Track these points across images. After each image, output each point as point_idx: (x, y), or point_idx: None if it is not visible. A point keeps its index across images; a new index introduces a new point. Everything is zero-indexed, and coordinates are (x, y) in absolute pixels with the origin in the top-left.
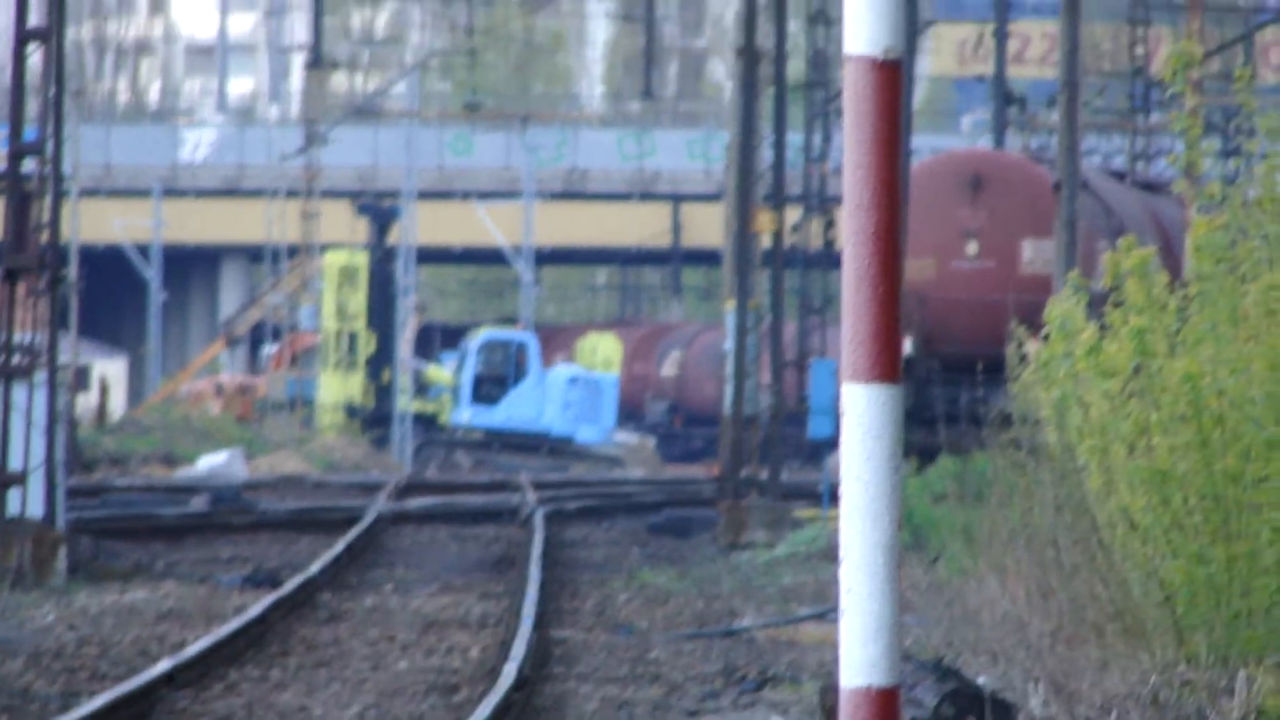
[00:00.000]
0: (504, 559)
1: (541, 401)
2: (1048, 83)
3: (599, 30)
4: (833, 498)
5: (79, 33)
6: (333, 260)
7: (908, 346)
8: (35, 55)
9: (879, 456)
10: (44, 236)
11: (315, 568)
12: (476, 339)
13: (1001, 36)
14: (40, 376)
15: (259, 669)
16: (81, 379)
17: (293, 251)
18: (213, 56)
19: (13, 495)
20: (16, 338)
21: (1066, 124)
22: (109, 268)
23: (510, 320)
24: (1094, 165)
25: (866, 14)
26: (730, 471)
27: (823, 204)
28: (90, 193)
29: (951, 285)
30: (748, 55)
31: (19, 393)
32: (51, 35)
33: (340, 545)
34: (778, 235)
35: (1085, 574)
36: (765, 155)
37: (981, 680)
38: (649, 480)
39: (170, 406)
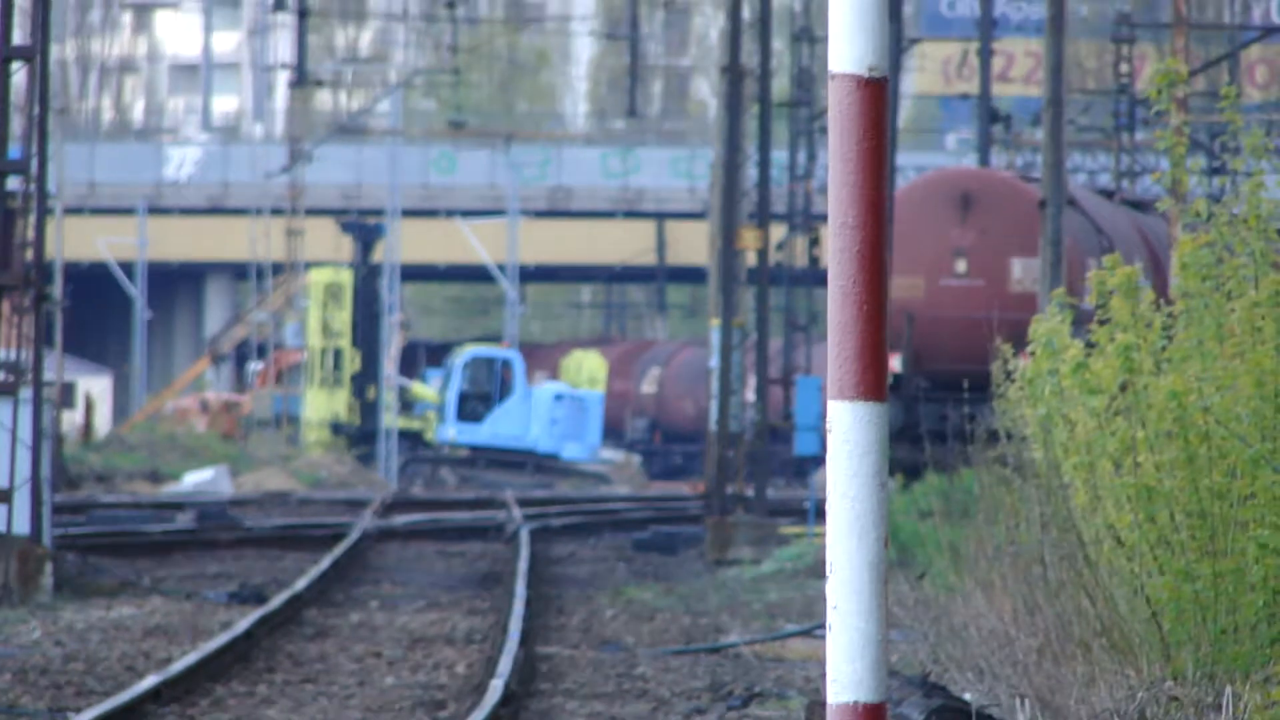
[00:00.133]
0: (490, 575)
1: (527, 418)
2: (1033, 100)
3: (583, 48)
4: (819, 514)
5: (63, 51)
6: (318, 278)
7: (897, 364)
8: (19, 74)
9: (865, 473)
10: (29, 254)
11: (301, 584)
12: (461, 356)
13: (986, 55)
14: (25, 393)
15: (245, 685)
16: (67, 396)
17: (277, 269)
18: (197, 75)
19: None
20: (1, 355)
21: (1051, 142)
22: (94, 285)
23: (495, 338)
24: (1082, 183)
25: (851, 32)
26: (716, 488)
27: (808, 222)
28: (75, 211)
29: (941, 303)
30: (732, 73)
31: (4, 409)
32: (36, 54)
33: (326, 562)
34: (763, 253)
35: (1071, 590)
36: (750, 173)
37: (968, 696)
38: (634, 497)
39: (156, 423)
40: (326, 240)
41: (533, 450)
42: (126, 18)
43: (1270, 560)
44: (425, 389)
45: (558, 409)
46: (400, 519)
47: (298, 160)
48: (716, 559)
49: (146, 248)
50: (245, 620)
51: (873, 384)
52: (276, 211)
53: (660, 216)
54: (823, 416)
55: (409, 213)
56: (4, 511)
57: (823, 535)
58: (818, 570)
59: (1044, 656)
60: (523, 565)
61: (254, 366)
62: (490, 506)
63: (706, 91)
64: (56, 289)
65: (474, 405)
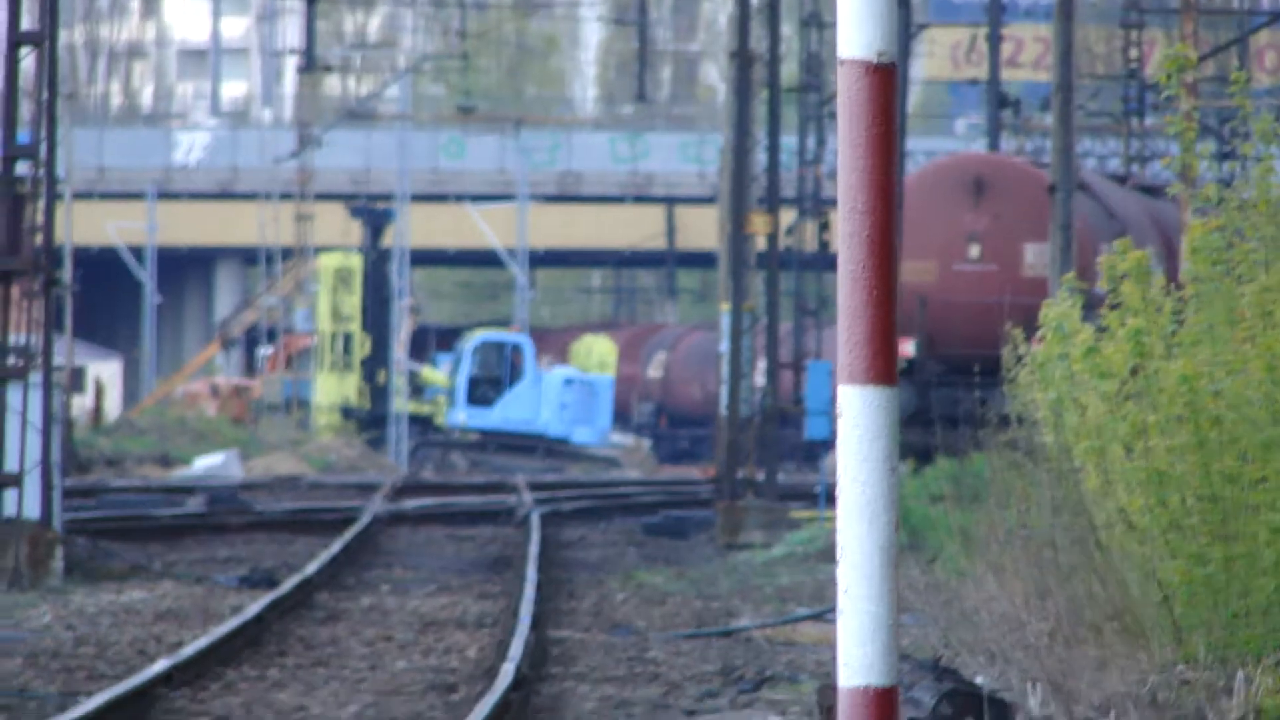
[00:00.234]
0: (501, 559)
1: (538, 403)
2: (1042, 85)
3: (592, 33)
4: (829, 498)
5: (72, 36)
6: (327, 262)
7: (911, 349)
8: (28, 59)
9: (875, 458)
10: (38, 239)
11: (312, 568)
12: (472, 341)
13: (995, 40)
14: (35, 378)
15: (256, 669)
16: (76, 381)
17: (287, 254)
18: (206, 60)
19: (9, 496)
20: (11, 339)
21: (1060, 127)
22: (104, 270)
23: (504, 323)
24: (1092, 168)
25: (859, 17)
26: (727, 472)
27: (817, 206)
28: (84, 196)
29: (954, 288)
30: (741, 58)
31: (14, 394)
32: (44, 39)
33: (337, 546)
34: (772, 237)
35: (1083, 574)
36: (759, 158)
37: (980, 680)
38: (645, 481)
39: (166, 408)
40: (336, 225)
41: (543, 434)
42: (135, 3)
43: None
44: (435, 373)
45: (568, 393)
46: (411, 503)
47: (307, 145)
48: (727, 543)
49: (156, 233)
50: (256, 604)
51: (883, 368)
52: (286, 196)
53: (670, 201)
54: (833, 401)
55: (418, 197)
56: (14, 496)
57: (833, 519)
58: (828, 554)
59: (1055, 640)
60: (533, 549)
61: (264, 351)
62: (501, 491)
63: (715, 76)
64: (66, 274)
65: (484, 389)
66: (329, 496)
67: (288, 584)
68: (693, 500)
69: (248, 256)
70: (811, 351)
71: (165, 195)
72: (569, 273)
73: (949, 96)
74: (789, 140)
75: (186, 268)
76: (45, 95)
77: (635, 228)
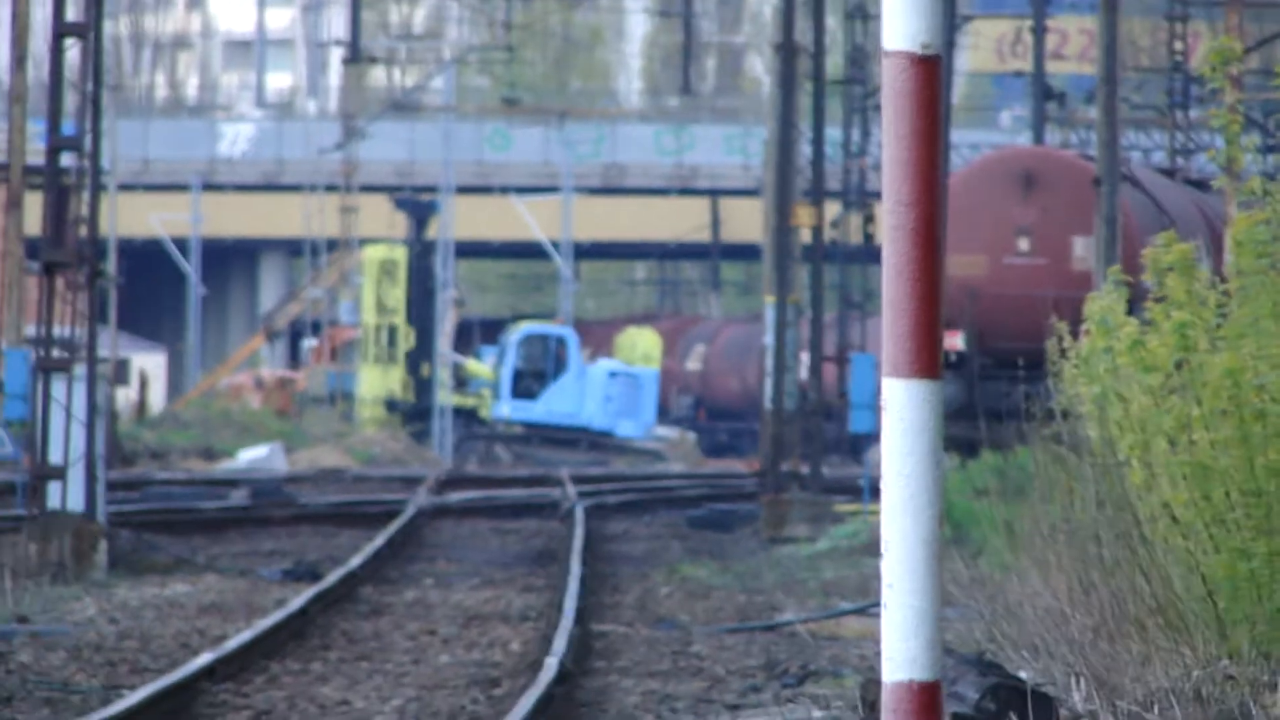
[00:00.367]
0: (545, 553)
1: (582, 396)
2: (1087, 78)
3: (637, 25)
4: (874, 492)
5: (116, 27)
6: (372, 254)
7: (960, 342)
8: (73, 50)
9: (920, 451)
10: (82, 231)
11: (356, 561)
12: (516, 333)
13: (1040, 32)
14: (80, 370)
15: (300, 662)
16: (121, 373)
17: (331, 246)
18: (250, 51)
19: (53, 489)
20: (56, 332)
21: (1105, 119)
22: (148, 262)
23: (549, 315)
24: (1138, 162)
25: (904, 9)
26: (771, 465)
27: (862, 199)
28: (128, 187)
29: (1003, 281)
30: (786, 50)
31: (59, 387)
32: (89, 30)
33: (381, 539)
34: (817, 230)
35: (1127, 569)
36: (804, 150)
37: (1023, 674)
38: (689, 474)
39: (210, 400)
40: (381, 217)
41: (587, 427)
42: None
43: None
44: (480, 366)
45: (612, 386)
46: (455, 496)
47: (352, 137)
48: (771, 536)
49: (201, 224)
50: (300, 598)
51: (927, 362)
52: (331, 188)
53: (714, 194)
54: (877, 394)
55: (463, 189)
56: (58, 488)
57: (878, 513)
58: (873, 548)
59: (1099, 635)
60: (577, 543)
61: (308, 343)
62: (545, 484)
63: (760, 69)
64: (111, 266)
65: (528, 382)
66: (373, 489)
67: (331, 577)
68: (737, 494)
69: (292, 248)
70: (856, 345)
71: (210, 187)
72: (613, 265)
73: (994, 89)
74: (834, 133)
75: (231, 260)
76: (90, 87)
77: (680, 220)
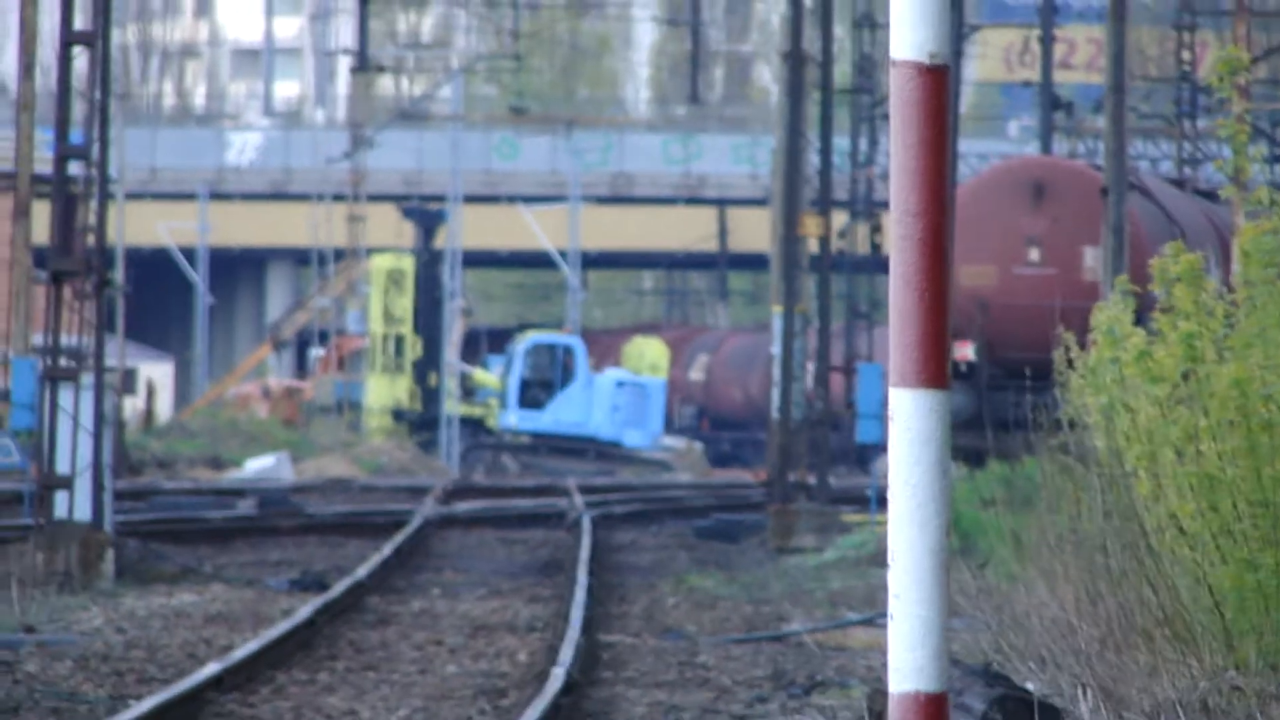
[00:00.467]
0: (552, 563)
1: (589, 405)
2: (1094, 88)
3: (644, 34)
4: (881, 502)
5: (124, 36)
6: (379, 264)
7: (970, 353)
8: (81, 59)
9: (926, 461)
10: (90, 239)
11: (363, 571)
12: (523, 343)
13: (1048, 41)
14: (87, 379)
15: (307, 672)
16: (128, 382)
17: (339, 255)
18: (258, 60)
19: (60, 498)
20: (63, 341)
21: (1113, 129)
22: (155, 271)
23: (556, 325)
24: (1149, 172)
25: (912, 19)
26: (778, 475)
27: (870, 208)
28: (136, 196)
29: (1013, 291)
30: (794, 60)
31: (66, 396)
32: (97, 39)
33: (388, 549)
34: (825, 240)
35: (1134, 580)
36: (812, 160)
37: (1030, 686)
38: (696, 484)
39: (217, 410)
40: (388, 226)
41: (594, 437)
42: (188, 2)
43: None
44: (487, 375)
45: (619, 396)
46: (462, 506)
47: (359, 146)
48: (779, 547)
49: (208, 233)
50: (307, 607)
51: (934, 372)
52: (338, 197)
53: (722, 203)
54: (884, 404)
55: (471, 198)
56: (65, 498)
57: (885, 523)
58: (880, 558)
59: (1106, 646)
60: (584, 553)
61: (316, 353)
62: (552, 494)
63: (768, 77)
64: (118, 275)
65: (536, 392)
66: (380, 499)
67: (338, 587)
68: (744, 504)
69: (300, 258)
70: (863, 354)
71: (217, 196)
72: (621, 274)
73: (1001, 98)
74: (841, 142)
75: (238, 269)
76: (98, 95)
77: (687, 229)
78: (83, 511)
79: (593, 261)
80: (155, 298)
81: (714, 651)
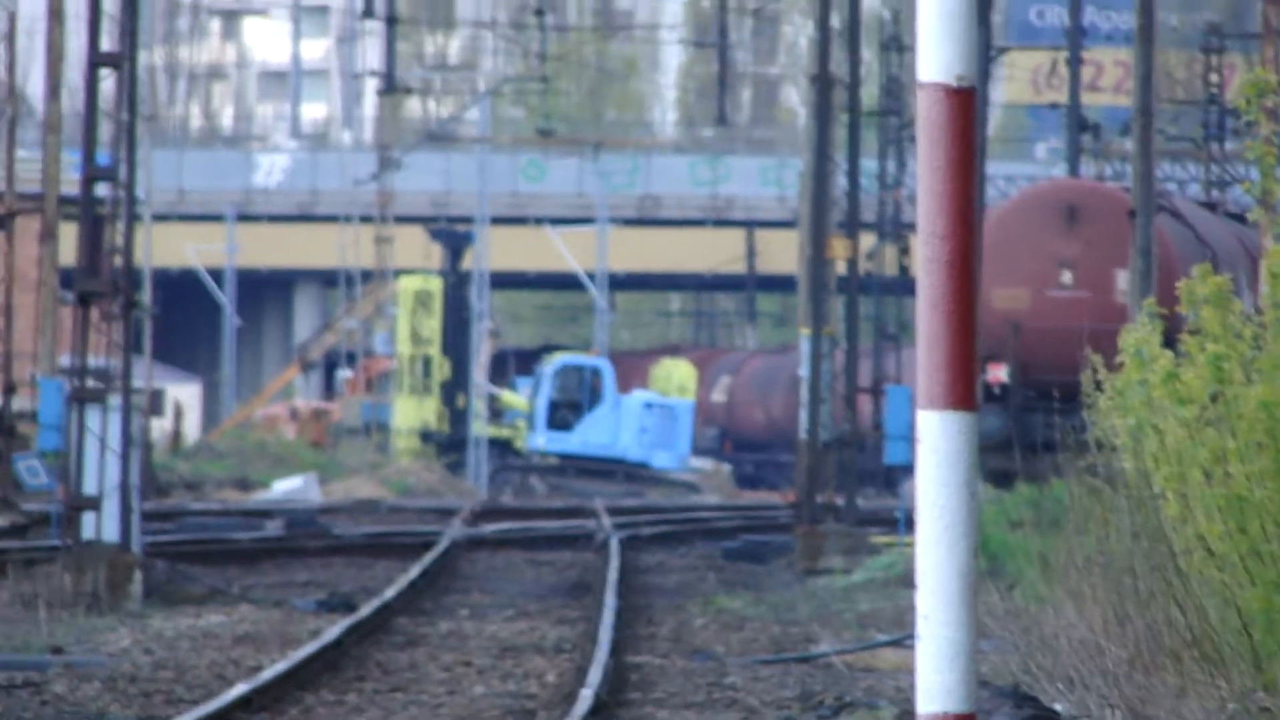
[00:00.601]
0: (580, 584)
1: (617, 427)
2: (1122, 110)
3: (672, 56)
4: (909, 524)
5: (152, 58)
6: (407, 285)
7: (1004, 375)
8: (108, 80)
9: (954, 483)
10: (117, 261)
11: (391, 592)
12: (551, 364)
13: (1075, 64)
14: (114, 401)
15: (335, 693)
16: (156, 404)
17: (366, 276)
18: (286, 82)
19: (88, 519)
20: (91, 362)
21: (1141, 152)
22: (183, 292)
23: (583, 347)
24: (1180, 195)
25: (939, 41)
26: (806, 497)
27: (897, 230)
28: (163, 218)
29: (1046, 314)
30: (822, 82)
31: (93, 417)
32: (124, 60)
33: (416, 570)
34: (852, 262)
35: (1162, 601)
36: (839, 182)
37: (1058, 707)
38: (724, 506)
39: (245, 431)
40: (416, 248)
41: (622, 459)
42: (215, 25)
43: None
44: (515, 397)
45: (647, 417)
46: (490, 527)
47: (387, 167)
48: (807, 568)
49: (235, 255)
50: (335, 628)
51: (962, 394)
52: (365, 219)
53: (749, 225)
54: (912, 426)
55: (498, 220)
56: (93, 519)
57: (913, 545)
58: (908, 580)
59: (1134, 667)
60: (612, 574)
61: (343, 374)
62: (580, 515)
63: (796, 100)
64: (145, 296)
65: (564, 413)
66: (408, 521)
67: (366, 608)
68: (772, 525)
69: (327, 279)
70: (891, 376)
71: (245, 217)
72: (648, 296)
73: (1029, 120)
74: (869, 164)
75: (266, 290)
76: (125, 117)
77: (715, 251)
78: (110, 533)
79: (620, 283)
80: (183, 319)
81: (742, 672)
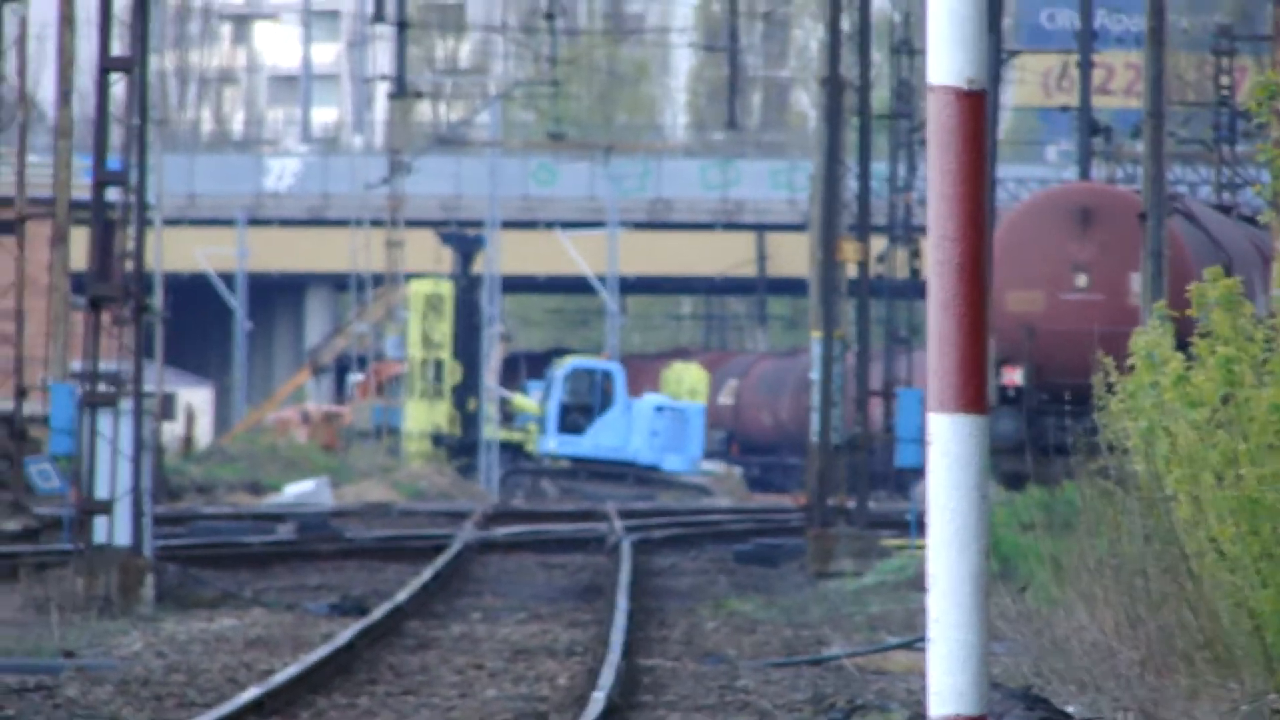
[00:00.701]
0: (591, 587)
1: (628, 430)
2: (1133, 112)
3: (682, 60)
4: (920, 527)
5: (162, 62)
6: (418, 289)
7: (1019, 378)
8: (119, 85)
9: (965, 486)
10: (128, 265)
11: (403, 595)
12: (562, 368)
13: (1086, 67)
14: (126, 405)
15: (347, 697)
16: (167, 408)
17: (377, 280)
18: (296, 86)
19: (99, 523)
20: (102, 367)
21: (1152, 154)
22: (194, 296)
23: (595, 350)
24: (1194, 198)
25: (949, 45)
26: (817, 500)
27: (908, 234)
28: (174, 222)
29: (1061, 317)
30: (832, 85)
31: (105, 422)
32: (135, 65)
33: (428, 573)
34: (863, 265)
35: (1174, 603)
36: (850, 185)
37: (1070, 709)
38: (736, 509)
39: (256, 435)
40: (427, 251)
41: (634, 462)
42: (225, 29)
43: None
44: (526, 400)
45: (659, 421)
46: (501, 531)
47: (397, 171)
48: (818, 571)
49: (246, 259)
50: (347, 632)
51: (973, 397)
52: (376, 223)
53: (760, 228)
54: (923, 428)
55: (509, 224)
56: (105, 523)
57: (924, 547)
58: (919, 582)
59: (1146, 669)
60: (624, 577)
61: (354, 378)
62: (591, 518)
63: (806, 103)
64: (157, 300)
65: (575, 417)
66: (419, 524)
67: (378, 612)
68: (784, 528)
69: (338, 283)
70: (902, 379)
71: (256, 222)
72: (659, 300)
73: (1040, 123)
74: (880, 167)
75: (277, 294)
76: (136, 121)
77: (725, 255)
78: (122, 537)
79: (631, 287)
80: (194, 323)
81: (754, 675)
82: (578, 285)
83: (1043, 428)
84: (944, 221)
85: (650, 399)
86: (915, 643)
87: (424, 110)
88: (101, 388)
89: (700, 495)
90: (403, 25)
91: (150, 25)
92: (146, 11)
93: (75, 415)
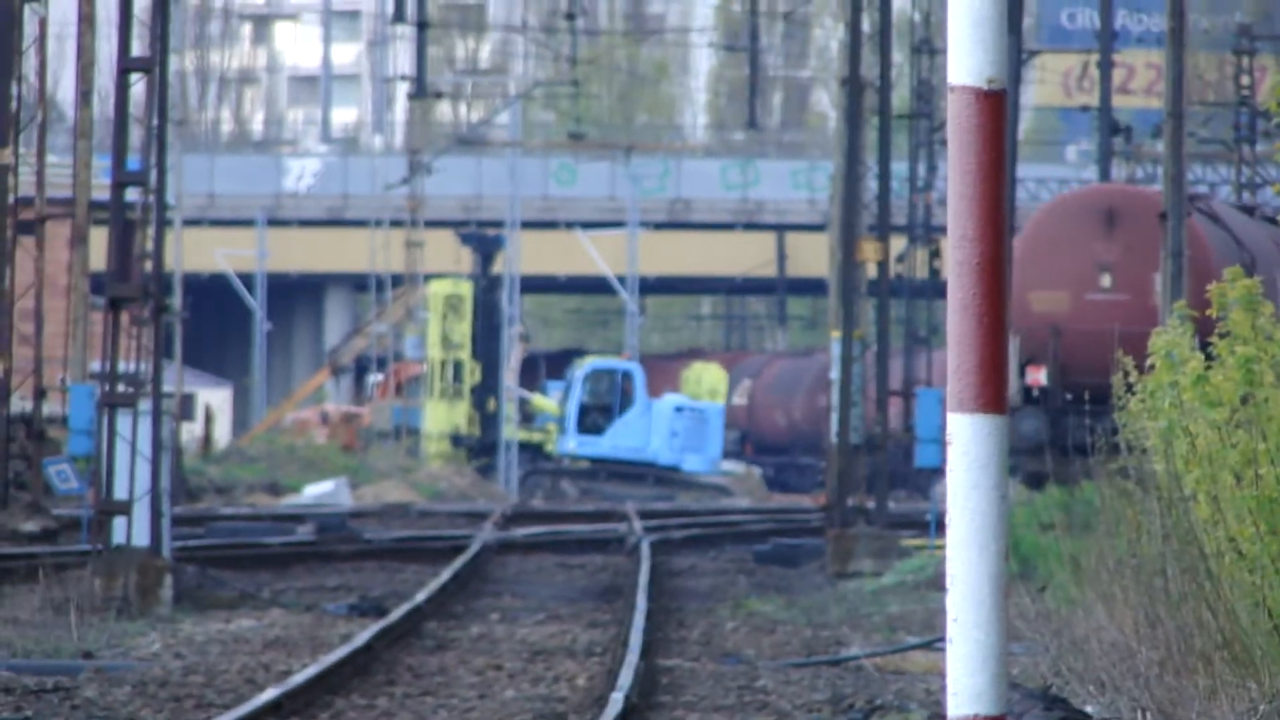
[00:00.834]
0: (610, 588)
1: (648, 430)
2: (1153, 112)
3: (703, 60)
4: (940, 527)
5: (182, 62)
6: (438, 289)
7: (1043, 378)
8: (138, 85)
9: (985, 486)
10: (147, 266)
11: (421, 596)
12: (582, 368)
13: (1106, 66)
14: (145, 406)
15: (365, 698)
16: (186, 408)
17: (397, 281)
18: (316, 86)
19: (118, 524)
20: (121, 367)
21: (1172, 154)
22: (213, 297)
23: (614, 351)
24: (1219, 198)
25: (969, 44)
26: (837, 500)
27: (928, 234)
28: (194, 222)
29: (1085, 317)
30: (852, 85)
31: (124, 422)
32: (155, 65)
33: (446, 574)
34: (883, 265)
35: (1193, 603)
36: (870, 185)
37: (1089, 709)
38: (755, 509)
39: (275, 435)
40: (446, 252)
41: (653, 462)
42: (246, 29)
43: None
44: (545, 401)
45: (678, 421)
46: (520, 531)
47: (417, 172)
48: (838, 571)
49: (266, 259)
50: (365, 633)
51: (992, 396)
52: (396, 223)
53: (780, 228)
54: (943, 429)
55: (529, 224)
56: (124, 524)
57: (944, 547)
58: (939, 582)
59: (1165, 669)
60: (643, 578)
61: (374, 378)
62: (611, 519)
63: (826, 103)
64: (176, 301)
65: (594, 417)
66: (438, 524)
67: (397, 612)
68: (803, 528)
69: (358, 283)
70: (922, 379)
71: (275, 222)
72: (679, 300)
73: (1060, 123)
74: (900, 167)
75: (296, 295)
76: (155, 121)
77: (745, 255)
78: (141, 537)
79: (651, 287)
80: (213, 324)
81: (773, 676)
82: (597, 285)
83: (1066, 427)
84: (964, 221)
85: (670, 399)
86: (934, 643)
87: (444, 110)
88: (120, 388)
89: (720, 496)
90: (423, 25)
91: (170, 25)
92: (166, 11)
93: (94, 416)
